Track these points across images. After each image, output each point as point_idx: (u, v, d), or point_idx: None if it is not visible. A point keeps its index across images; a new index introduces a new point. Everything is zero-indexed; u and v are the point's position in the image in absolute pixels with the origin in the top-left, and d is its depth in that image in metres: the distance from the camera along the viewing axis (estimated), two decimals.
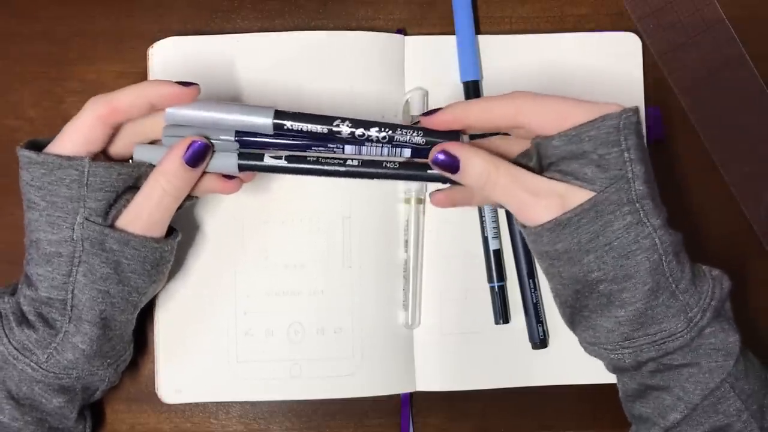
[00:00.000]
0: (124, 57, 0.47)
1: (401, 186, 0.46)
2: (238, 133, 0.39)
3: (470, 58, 0.46)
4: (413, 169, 0.39)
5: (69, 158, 0.37)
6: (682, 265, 0.36)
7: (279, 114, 0.38)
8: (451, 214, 0.46)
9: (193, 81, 0.38)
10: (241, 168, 0.39)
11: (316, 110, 0.45)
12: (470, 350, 0.46)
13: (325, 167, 0.38)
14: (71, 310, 0.38)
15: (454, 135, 0.38)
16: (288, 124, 0.38)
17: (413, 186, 0.46)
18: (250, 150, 0.39)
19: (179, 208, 0.40)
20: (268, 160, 0.39)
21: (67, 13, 0.47)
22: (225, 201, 0.46)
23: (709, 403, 0.35)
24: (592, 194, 0.34)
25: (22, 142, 0.38)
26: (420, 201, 0.46)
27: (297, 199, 0.46)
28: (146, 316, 0.46)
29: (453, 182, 0.38)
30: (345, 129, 0.38)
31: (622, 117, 0.34)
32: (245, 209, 0.46)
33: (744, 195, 0.48)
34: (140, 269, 0.39)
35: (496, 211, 0.46)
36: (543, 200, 0.35)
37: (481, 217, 0.46)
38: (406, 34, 0.47)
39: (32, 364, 0.38)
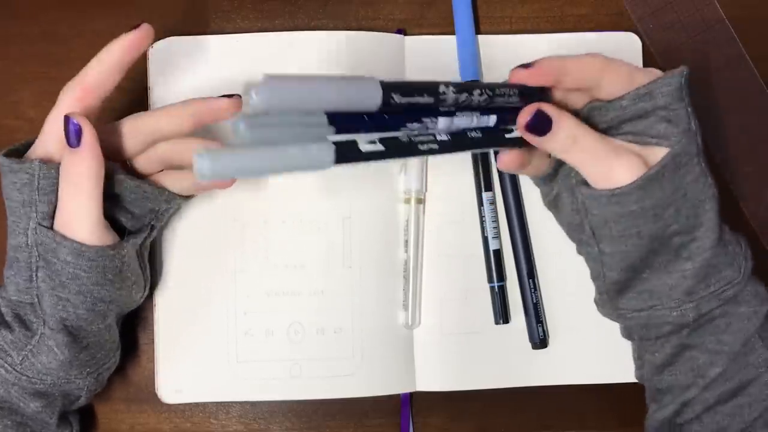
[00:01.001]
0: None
1: (401, 186, 0.46)
2: (332, 116, 0.31)
3: (470, 58, 0.46)
4: (493, 136, 0.37)
5: (20, 162, 0.36)
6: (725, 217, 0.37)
7: (387, 86, 0.31)
8: (451, 214, 0.46)
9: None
10: (339, 161, 0.30)
11: None
12: (470, 350, 0.46)
13: (420, 147, 0.34)
14: (41, 314, 0.37)
15: (544, 93, 0.37)
16: (396, 98, 0.32)
17: (413, 186, 0.46)
18: (343, 137, 0.31)
19: (160, 203, 0.40)
20: (366, 147, 0.31)
21: (68, 13, 0.47)
22: (225, 201, 0.46)
23: (743, 352, 0.36)
24: (667, 150, 0.35)
25: (10, 146, 0.38)
26: (420, 201, 0.46)
27: (297, 199, 0.46)
28: (146, 316, 0.46)
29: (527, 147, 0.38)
30: (450, 94, 0.34)
31: (683, 75, 0.35)
32: (245, 209, 0.46)
33: (744, 195, 0.48)
34: (101, 280, 0.37)
35: (496, 212, 0.46)
36: (627, 160, 0.35)
37: (481, 217, 0.46)
38: (406, 34, 0.47)
39: (6, 365, 0.37)
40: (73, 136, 0.35)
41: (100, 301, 0.38)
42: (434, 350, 0.46)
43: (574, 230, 0.40)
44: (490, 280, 0.46)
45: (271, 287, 0.46)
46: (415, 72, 0.46)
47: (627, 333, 0.40)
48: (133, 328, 0.46)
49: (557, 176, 0.40)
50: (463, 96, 0.34)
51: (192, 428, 0.46)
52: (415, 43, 0.47)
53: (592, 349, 0.46)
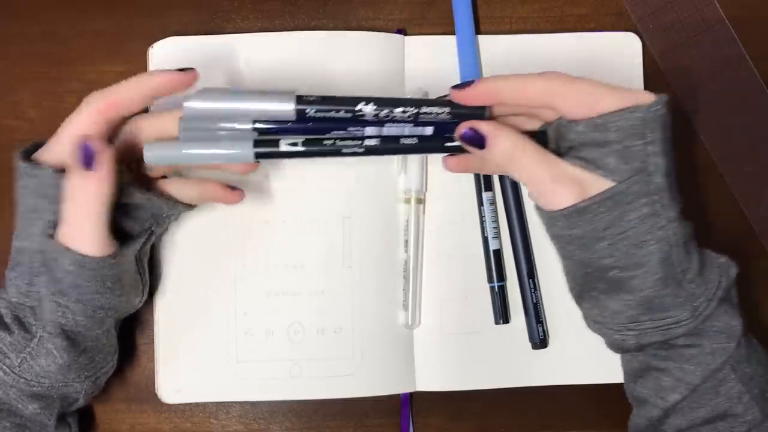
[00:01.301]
0: (124, 57, 0.47)
1: (401, 186, 0.46)
2: (256, 122, 0.38)
3: (470, 58, 0.46)
4: (431, 143, 0.38)
5: (35, 167, 0.36)
6: (690, 255, 0.36)
7: (301, 99, 0.37)
8: (451, 214, 0.46)
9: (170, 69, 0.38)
10: (258, 156, 0.37)
11: None
12: (470, 350, 0.46)
13: (344, 150, 0.37)
14: (40, 317, 0.38)
15: (479, 110, 0.38)
16: (310, 109, 0.36)
17: (413, 186, 0.46)
18: (266, 137, 0.37)
19: (174, 213, 0.40)
20: (284, 147, 0.37)
21: (68, 13, 0.47)
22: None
23: (710, 385, 0.36)
24: (612, 184, 0.35)
25: (28, 144, 0.38)
26: (420, 201, 0.46)
27: (297, 199, 0.46)
28: (146, 316, 0.46)
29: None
30: (369, 110, 0.37)
31: (650, 110, 0.34)
32: (245, 209, 0.46)
33: (744, 195, 0.48)
34: (100, 288, 0.37)
35: (496, 212, 0.46)
36: (563, 186, 0.35)
37: (481, 217, 0.46)
38: (406, 34, 0.47)
39: (5, 367, 0.37)
40: (85, 159, 0.35)
41: (100, 308, 0.38)
42: (434, 350, 0.46)
43: None
44: (490, 280, 0.46)
45: (271, 287, 0.46)
46: (415, 72, 0.46)
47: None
48: (133, 329, 0.46)
49: None
50: (385, 111, 0.36)
51: (192, 428, 0.46)
52: (415, 43, 0.47)
53: (592, 349, 0.46)
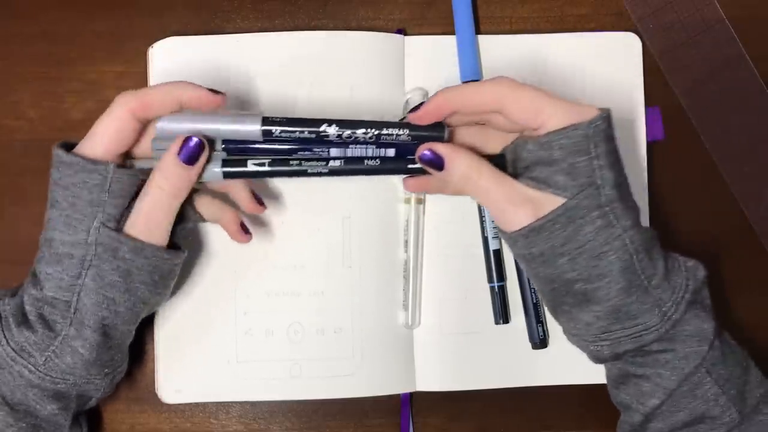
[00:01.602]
0: (124, 57, 0.47)
1: (401, 186, 0.46)
2: (226, 142, 0.39)
3: (470, 58, 0.46)
4: (394, 164, 0.40)
5: (94, 162, 0.37)
6: (655, 261, 0.37)
7: (266, 120, 0.38)
8: (451, 214, 0.46)
9: (194, 81, 0.38)
10: (226, 175, 0.39)
11: (316, 111, 0.45)
12: (470, 350, 0.46)
13: (309, 170, 0.39)
14: (74, 313, 0.38)
15: (439, 129, 0.39)
16: (276, 130, 0.38)
17: None
18: (234, 157, 0.39)
19: (186, 222, 0.40)
20: (251, 167, 0.39)
21: (68, 13, 0.47)
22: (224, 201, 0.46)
23: (686, 388, 0.37)
24: (563, 201, 0.36)
25: (59, 142, 0.38)
26: (420, 201, 0.46)
27: (297, 200, 0.46)
28: (146, 316, 0.46)
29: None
30: (332, 132, 0.38)
31: (591, 126, 0.35)
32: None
33: (744, 195, 0.48)
34: (149, 280, 0.39)
35: None
36: (518, 207, 0.36)
37: (481, 217, 0.46)
38: (406, 34, 0.47)
39: (29, 366, 0.38)
40: (191, 156, 0.38)
41: (141, 301, 0.39)
42: (434, 350, 0.46)
43: None
44: (490, 280, 0.46)
45: (271, 287, 0.46)
46: (415, 72, 0.46)
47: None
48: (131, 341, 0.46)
49: None
50: (347, 132, 0.38)
51: (192, 428, 0.46)
52: (415, 43, 0.47)
53: None
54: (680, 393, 0.37)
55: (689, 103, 0.47)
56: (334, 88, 0.46)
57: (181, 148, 0.38)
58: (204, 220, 0.42)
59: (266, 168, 0.39)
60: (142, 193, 0.38)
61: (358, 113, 0.46)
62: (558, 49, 0.47)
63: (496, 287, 0.46)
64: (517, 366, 0.46)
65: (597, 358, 0.39)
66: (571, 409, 0.47)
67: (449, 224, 0.46)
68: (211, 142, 0.39)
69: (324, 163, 0.39)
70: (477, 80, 0.46)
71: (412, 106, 0.46)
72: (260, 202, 0.42)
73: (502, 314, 0.46)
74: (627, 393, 0.38)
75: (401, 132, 0.39)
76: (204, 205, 0.41)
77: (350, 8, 0.48)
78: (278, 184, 0.46)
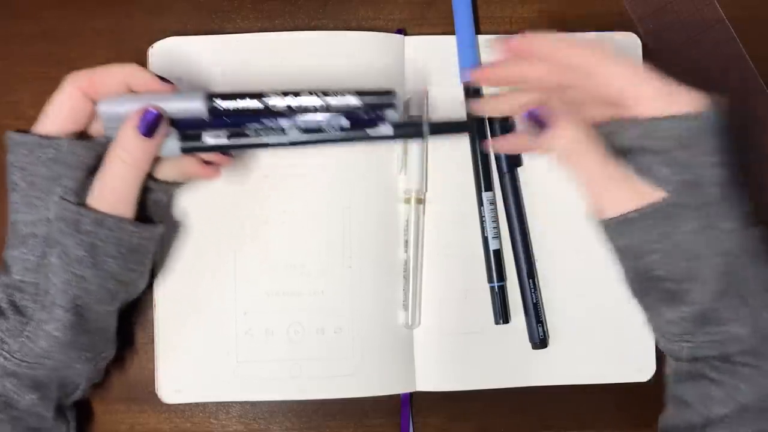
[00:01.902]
0: (124, 57, 0.46)
1: (401, 186, 0.46)
2: (178, 125, 0.39)
3: (470, 58, 0.46)
4: (356, 133, 0.39)
5: (48, 137, 0.37)
6: (757, 268, 0.34)
7: (210, 95, 0.38)
8: (451, 214, 0.46)
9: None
10: (184, 150, 0.39)
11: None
12: (470, 350, 0.46)
13: (268, 140, 0.39)
14: (44, 295, 0.37)
15: (390, 97, 0.38)
16: (220, 103, 0.38)
17: (413, 186, 0.46)
18: (191, 132, 0.39)
19: (152, 193, 0.40)
20: (209, 140, 0.39)
21: (67, 13, 0.47)
22: (225, 201, 0.46)
23: (759, 407, 0.34)
24: (664, 194, 0.33)
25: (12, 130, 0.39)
26: (420, 201, 0.46)
27: (297, 199, 0.46)
28: (146, 316, 0.46)
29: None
30: (278, 101, 0.38)
31: (703, 118, 0.33)
32: (245, 209, 0.46)
33: None
34: (115, 252, 0.38)
35: (496, 212, 0.46)
36: (619, 191, 0.34)
37: (481, 217, 0.46)
38: (406, 34, 0.47)
39: (4, 353, 0.37)
40: (149, 127, 0.37)
41: (111, 277, 0.38)
42: (434, 350, 0.46)
43: None
44: (490, 280, 0.46)
45: (271, 287, 0.46)
46: (415, 72, 0.46)
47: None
48: (133, 328, 0.46)
49: None
50: (291, 99, 0.38)
51: (192, 428, 0.46)
52: (415, 43, 0.47)
53: (592, 349, 0.46)
54: (753, 410, 0.34)
55: None
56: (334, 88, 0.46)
57: (139, 121, 0.37)
58: (173, 187, 0.42)
59: (224, 141, 0.39)
60: (102, 166, 0.38)
61: None
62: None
63: (496, 287, 0.46)
64: (517, 366, 0.46)
65: (673, 356, 0.37)
66: (571, 409, 0.47)
67: (449, 224, 0.46)
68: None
69: (282, 132, 0.39)
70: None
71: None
72: (210, 163, 0.41)
73: (502, 314, 0.46)
74: (692, 392, 0.36)
75: (350, 96, 0.38)
76: (164, 168, 0.41)
77: (350, 8, 0.48)
78: (277, 184, 0.46)
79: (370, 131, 0.39)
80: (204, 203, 0.46)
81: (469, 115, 0.45)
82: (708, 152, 0.33)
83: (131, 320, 0.46)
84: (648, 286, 0.36)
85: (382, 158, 0.46)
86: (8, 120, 0.47)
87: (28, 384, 0.38)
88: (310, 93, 0.38)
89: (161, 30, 0.46)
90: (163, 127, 0.38)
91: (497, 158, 0.46)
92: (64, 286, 0.37)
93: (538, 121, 0.35)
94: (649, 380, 0.46)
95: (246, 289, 0.46)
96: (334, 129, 0.39)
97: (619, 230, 0.35)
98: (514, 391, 0.46)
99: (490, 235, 0.46)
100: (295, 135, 0.39)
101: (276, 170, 0.46)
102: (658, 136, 0.33)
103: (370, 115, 0.39)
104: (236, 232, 0.46)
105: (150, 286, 0.44)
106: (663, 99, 0.34)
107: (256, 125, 0.39)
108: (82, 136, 0.39)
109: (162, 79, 0.39)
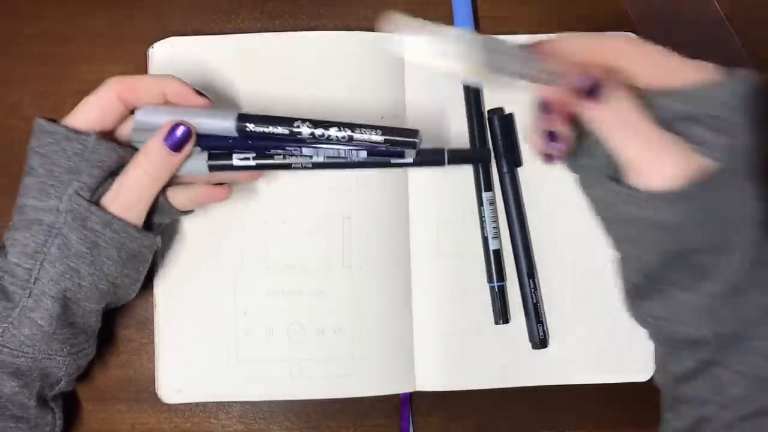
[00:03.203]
0: (124, 57, 0.47)
1: (402, 186, 0.46)
2: (201, 141, 0.40)
3: None
4: (378, 159, 0.41)
5: (77, 131, 0.38)
6: None
7: (242, 117, 0.39)
8: (451, 214, 0.46)
9: (194, 81, 0.39)
10: (212, 168, 0.40)
11: (316, 112, 0.45)
12: (470, 350, 0.46)
13: (293, 164, 0.41)
14: (34, 282, 0.37)
15: (413, 135, 0.39)
16: (251, 126, 0.39)
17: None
18: (220, 151, 0.40)
19: (163, 215, 0.40)
20: (237, 161, 0.40)
21: (67, 13, 0.47)
22: (225, 202, 0.45)
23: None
24: (710, 161, 0.32)
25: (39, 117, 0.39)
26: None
27: (297, 199, 0.46)
28: (146, 316, 0.46)
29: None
30: (305, 130, 0.39)
31: (748, 84, 0.33)
32: (245, 209, 0.46)
33: None
34: (115, 255, 0.39)
35: (496, 212, 0.46)
36: (671, 160, 0.32)
37: (481, 217, 0.46)
38: None
39: None
40: (177, 143, 0.39)
41: (106, 279, 0.39)
42: (434, 350, 0.46)
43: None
44: (490, 280, 0.46)
45: (271, 287, 0.46)
46: (415, 72, 0.46)
47: (651, 337, 0.38)
48: (133, 328, 0.46)
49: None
50: (320, 131, 0.39)
51: (192, 428, 0.46)
52: None
53: (592, 349, 0.46)
54: (763, 383, 0.33)
55: None
56: (334, 88, 0.46)
57: (168, 134, 0.38)
58: (180, 213, 0.42)
59: (251, 162, 0.40)
60: (124, 171, 0.39)
61: (358, 113, 0.46)
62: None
63: (496, 287, 0.46)
64: (517, 366, 0.46)
65: (673, 341, 0.36)
66: (571, 409, 0.47)
67: (449, 224, 0.46)
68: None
69: (308, 158, 0.40)
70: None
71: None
72: (221, 184, 0.42)
73: (502, 314, 0.46)
74: (699, 386, 0.35)
75: (374, 132, 0.39)
76: (177, 195, 0.41)
77: (350, 8, 0.48)
78: (277, 184, 0.46)
79: (395, 159, 0.41)
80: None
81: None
82: (752, 117, 0.33)
83: (131, 320, 0.46)
84: (675, 265, 0.34)
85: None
86: (8, 120, 0.47)
87: (10, 372, 0.38)
88: (339, 127, 0.39)
89: (161, 30, 0.46)
90: (191, 145, 0.39)
91: (497, 158, 0.46)
92: (57, 277, 0.37)
93: (591, 88, 0.33)
94: (649, 380, 0.46)
95: (246, 289, 0.46)
96: (357, 158, 0.41)
97: (665, 205, 0.32)
98: (514, 391, 0.46)
99: (490, 235, 0.46)
100: (319, 159, 0.41)
101: (277, 170, 0.46)
102: (703, 101, 0.32)
103: (392, 151, 0.40)
104: (236, 232, 0.46)
105: (144, 289, 0.45)
106: (700, 71, 0.33)
107: (276, 151, 0.40)
108: (107, 136, 0.40)
109: (199, 93, 0.40)
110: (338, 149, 0.40)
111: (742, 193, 0.33)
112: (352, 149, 0.40)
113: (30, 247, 0.38)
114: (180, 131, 0.38)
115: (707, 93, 0.33)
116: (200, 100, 0.40)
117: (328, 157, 0.40)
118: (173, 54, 0.46)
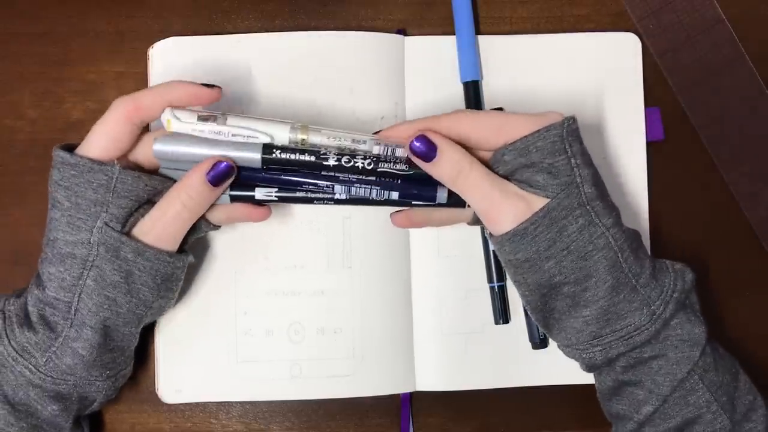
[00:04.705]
0: (124, 57, 0.47)
1: None
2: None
3: (470, 58, 0.46)
4: (398, 201, 0.40)
5: (100, 163, 0.37)
6: (641, 260, 0.37)
7: (267, 148, 0.38)
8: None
9: (194, 81, 0.38)
10: (233, 199, 0.40)
11: (316, 112, 0.45)
12: (470, 350, 0.46)
13: (315, 200, 0.40)
14: (75, 314, 0.38)
15: (434, 183, 0.39)
16: (277, 154, 0.38)
17: None
18: (243, 182, 0.40)
19: (197, 232, 0.41)
20: (259, 195, 0.40)
21: (68, 13, 0.47)
22: None
23: (679, 395, 0.37)
24: (548, 200, 0.36)
25: (59, 144, 0.39)
26: None
27: None
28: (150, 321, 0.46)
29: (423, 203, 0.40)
30: (331, 156, 0.38)
31: (564, 126, 0.36)
32: None
33: (744, 195, 0.48)
34: (150, 282, 0.39)
35: None
36: (510, 202, 0.37)
37: None
38: (406, 35, 0.47)
39: (30, 366, 0.38)
40: (219, 177, 0.38)
41: (142, 304, 0.39)
42: (434, 350, 0.46)
43: None
44: (490, 280, 0.46)
45: (271, 287, 0.46)
46: (415, 72, 0.46)
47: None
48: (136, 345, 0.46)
49: None
50: (346, 158, 0.38)
51: (192, 428, 0.46)
52: (415, 43, 0.47)
53: None
54: (674, 399, 0.37)
55: (689, 103, 0.47)
56: (334, 88, 0.46)
57: (211, 170, 0.38)
58: (216, 227, 0.42)
59: (273, 197, 0.40)
60: (161, 203, 0.38)
61: (358, 113, 0.46)
62: (558, 49, 0.47)
63: (496, 287, 0.46)
64: (517, 366, 0.46)
65: (591, 366, 0.40)
66: (571, 409, 0.47)
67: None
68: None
69: (330, 195, 0.40)
70: (477, 81, 0.46)
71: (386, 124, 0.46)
72: (262, 205, 0.41)
73: (502, 314, 0.46)
74: (621, 403, 0.39)
75: (397, 159, 0.39)
76: (216, 211, 0.41)
77: (350, 8, 0.48)
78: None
79: (416, 201, 0.40)
80: None
81: None
82: (576, 155, 0.37)
83: None
84: (551, 297, 0.38)
85: None
86: (8, 120, 0.47)
87: (51, 396, 0.39)
88: (364, 158, 0.39)
89: (161, 30, 0.46)
90: (231, 179, 0.39)
91: None
92: (96, 308, 0.38)
93: (424, 153, 0.37)
94: None
95: (246, 289, 0.46)
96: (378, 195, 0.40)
97: (513, 246, 0.37)
98: (514, 391, 0.46)
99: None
100: (341, 197, 0.40)
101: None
102: (530, 150, 0.36)
103: (423, 192, 0.40)
104: (236, 232, 0.46)
105: None
106: (526, 123, 0.37)
107: (306, 188, 0.40)
108: (128, 162, 0.40)
109: (207, 85, 0.39)
110: (370, 189, 0.39)
111: (582, 225, 0.36)
112: (383, 190, 0.40)
113: (66, 281, 0.38)
114: (223, 166, 0.38)
115: (535, 142, 0.36)
116: (211, 93, 0.39)
117: (352, 195, 0.40)
118: (173, 54, 0.46)
